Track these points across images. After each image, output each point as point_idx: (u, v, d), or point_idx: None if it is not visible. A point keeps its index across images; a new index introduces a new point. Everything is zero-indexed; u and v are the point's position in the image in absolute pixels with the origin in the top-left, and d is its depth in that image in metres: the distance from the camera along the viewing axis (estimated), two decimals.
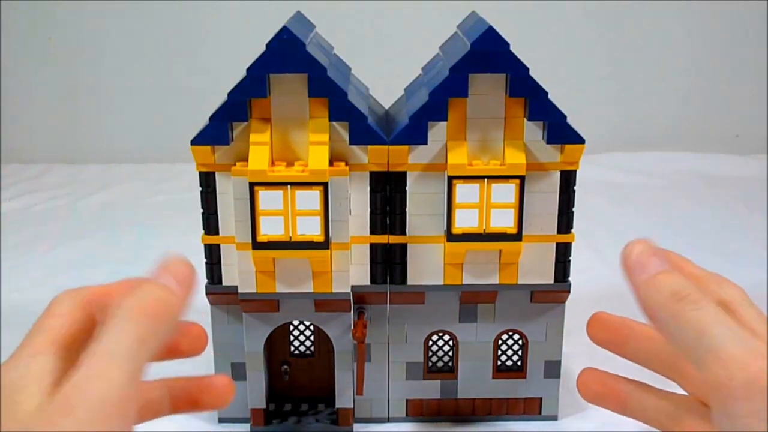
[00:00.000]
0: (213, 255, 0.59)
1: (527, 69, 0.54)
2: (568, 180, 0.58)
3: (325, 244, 0.56)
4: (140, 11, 1.41)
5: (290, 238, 0.56)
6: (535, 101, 0.55)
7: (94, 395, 0.31)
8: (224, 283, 0.59)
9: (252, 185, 0.54)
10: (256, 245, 0.55)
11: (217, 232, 0.58)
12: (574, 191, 0.58)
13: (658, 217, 1.13)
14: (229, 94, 0.54)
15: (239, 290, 0.58)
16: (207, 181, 0.57)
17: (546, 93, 0.55)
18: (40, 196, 1.24)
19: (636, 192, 1.24)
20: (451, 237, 0.57)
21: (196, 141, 0.55)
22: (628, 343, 0.42)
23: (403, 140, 0.56)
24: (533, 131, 0.56)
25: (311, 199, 0.55)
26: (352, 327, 0.59)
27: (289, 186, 0.54)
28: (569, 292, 0.61)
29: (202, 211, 0.58)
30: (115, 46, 1.43)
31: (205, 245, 0.59)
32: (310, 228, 0.56)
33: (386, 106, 0.66)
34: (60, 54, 1.43)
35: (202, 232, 0.59)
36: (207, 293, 0.60)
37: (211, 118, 0.55)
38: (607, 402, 0.42)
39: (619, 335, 0.42)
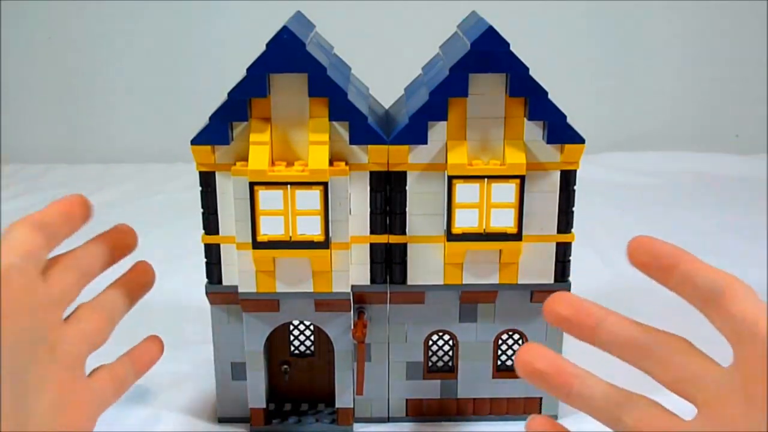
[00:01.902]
0: (213, 255, 0.59)
1: (527, 69, 0.54)
2: (568, 180, 0.58)
3: (325, 244, 0.55)
4: (140, 11, 1.41)
5: (290, 237, 0.56)
6: (535, 101, 0.55)
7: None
8: (224, 282, 0.59)
9: (252, 185, 0.54)
10: (257, 245, 0.55)
11: (217, 232, 0.58)
12: (574, 191, 0.58)
13: (658, 217, 1.13)
14: (229, 94, 0.54)
15: (239, 290, 0.58)
16: (207, 181, 0.57)
17: (546, 93, 0.55)
18: (40, 196, 1.24)
19: (636, 192, 1.24)
20: (451, 237, 0.57)
21: (196, 141, 0.55)
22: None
23: (403, 140, 0.56)
24: (533, 131, 0.56)
25: (311, 198, 0.55)
26: (352, 327, 0.59)
27: (289, 186, 0.54)
28: (569, 291, 0.60)
29: (202, 211, 0.58)
30: (115, 46, 1.43)
31: (205, 245, 0.59)
32: (310, 228, 0.56)
33: (386, 106, 0.66)
34: (60, 54, 1.43)
35: (202, 232, 0.59)
36: (207, 293, 0.60)
37: (211, 117, 0.55)
38: (576, 327, 0.40)
39: (664, 266, 0.40)
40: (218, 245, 0.58)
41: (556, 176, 0.57)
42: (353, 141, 0.56)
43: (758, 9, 1.42)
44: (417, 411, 0.64)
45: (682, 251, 0.40)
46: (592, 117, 1.43)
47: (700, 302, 0.38)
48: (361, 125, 0.55)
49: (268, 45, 0.53)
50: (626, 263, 1.11)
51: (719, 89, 1.47)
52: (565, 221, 0.59)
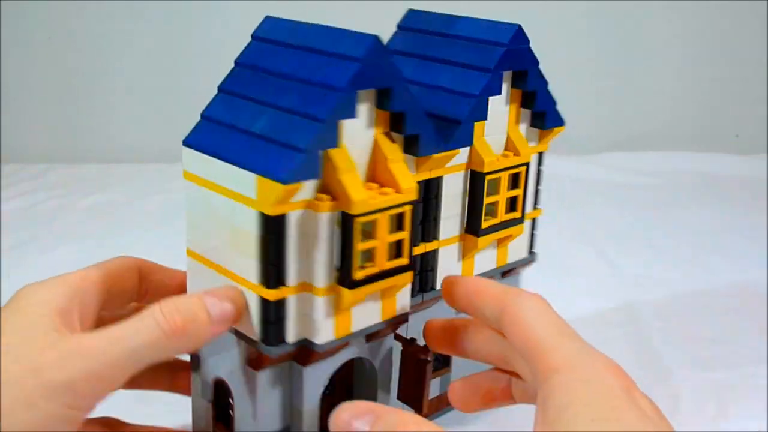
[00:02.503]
0: (276, 311, 0.47)
1: (538, 62, 0.57)
2: (540, 161, 0.62)
3: (411, 266, 0.50)
4: (140, 11, 1.41)
5: (381, 268, 0.48)
6: (542, 94, 0.58)
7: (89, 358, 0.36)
8: (288, 339, 0.48)
9: (352, 218, 0.45)
10: (353, 284, 0.46)
11: (283, 283, 0.47)
12: (541, 170, 0.62)
13: (658, 217, 1.13)
14: (325, 118, 0.44)
15: (317, 341, 0.48)
16: (276, 226, 0.45)
17: (546, 83, 0.58)
18: (40, 196, 1.24)
19: (636, 192, 1.25)
20: (481, 232, 0.57)
21: (291, 179, 0.43)
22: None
23: (458, 143, 0.53)
24: (523, 117, 0.59)
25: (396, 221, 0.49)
26: (414, 346, 0.54)
27: (387, 211, 0.47)
28: (534, 261, 0.64)
29: (259, 263, 0.46)
30: (115, 46, 1.43)
31: (266, 302, 0.46)
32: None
33: None
34: (60, 54, 1.43)
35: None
36: (260, 357, 0.48)
37: (306, 148, 0.43)
38: (449, 347, 0.46)
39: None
40: (284, 299, 0.47)
41: (535, 158, 0.61)
42: (422, 152, 0.50)
43: (758, 9, 1.42)
44: (418, 410, 0.64)
45: (465, 281, 0.46)
46: (592, 117, 1.43)
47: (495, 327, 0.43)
48: (430, 136, 0.50)
49: (360, 60, 0.45)
50: (626, 262, 1.11)
51: (719, 89, 1.47)
52: (535, 199, 0.62)
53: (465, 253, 0.58)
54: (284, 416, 0.51)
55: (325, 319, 0.47)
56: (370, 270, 0.48)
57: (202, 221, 0.49)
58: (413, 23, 0.61)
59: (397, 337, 0.56)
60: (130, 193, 1.26)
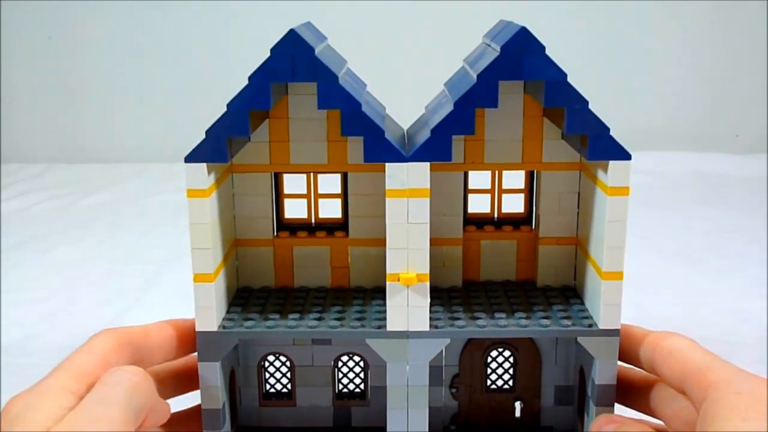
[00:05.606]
0: None
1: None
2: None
3: None
4: (140, 11, 1.41)
5: None
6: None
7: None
8: None
9: None
10: None
11: None
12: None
13: (658, 217, 1.13)
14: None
15: None
16: None
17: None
18: (40, 196, 1.24)
19: (636, 192, 1.24)
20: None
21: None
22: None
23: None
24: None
25: None
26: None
27: None
28: None
29: None
30: (115, 46, 1.43)
31: None
32: None
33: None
34: (60, 54, 1.43)
35: None
36: None
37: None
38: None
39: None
40: None
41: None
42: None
43: (758, 9, 1.42)
44: None
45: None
46: None
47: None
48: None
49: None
50: (625, 261, 1.10)
51: (719, 89, 1.47)
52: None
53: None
54: None
55: None
56: None
57: None
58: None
59: None
60: (130, 193, 1.26)
